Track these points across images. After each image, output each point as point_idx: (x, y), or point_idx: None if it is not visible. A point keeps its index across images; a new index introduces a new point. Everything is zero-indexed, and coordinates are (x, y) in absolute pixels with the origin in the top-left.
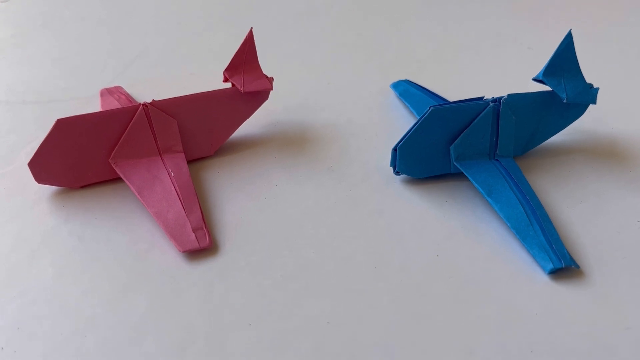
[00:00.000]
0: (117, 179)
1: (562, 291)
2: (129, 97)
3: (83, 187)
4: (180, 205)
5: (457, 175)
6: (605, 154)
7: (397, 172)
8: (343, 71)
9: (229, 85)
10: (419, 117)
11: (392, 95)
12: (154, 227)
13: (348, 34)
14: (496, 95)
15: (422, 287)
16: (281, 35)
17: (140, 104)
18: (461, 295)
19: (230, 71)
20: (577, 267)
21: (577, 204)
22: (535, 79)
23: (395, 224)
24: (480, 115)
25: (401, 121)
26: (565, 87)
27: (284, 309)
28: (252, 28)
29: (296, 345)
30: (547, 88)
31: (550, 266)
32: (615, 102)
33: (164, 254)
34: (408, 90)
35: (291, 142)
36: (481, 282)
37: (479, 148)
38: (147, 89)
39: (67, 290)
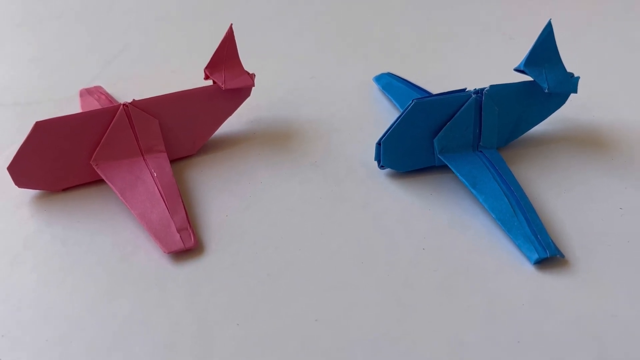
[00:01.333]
0: (99, 181)
1: (548, 281)
2: (109, 97)
3: (64, 190)
4: (164, 206)
5: (441, 168)
6: (587, 142)
7: (381, 166)
8: (325, 64)
9: (210, 82)
10: (402, 111)
11: (375, 88)
12: (138, 228)
13: (329, 27)
14: (479, 86)
15: (410, 281)
16: (261, 29)
17: (120, 104)
18: (448, 288)
19: (211, 68)
20: (562, 256)
21: (562, 193)
22: (517, 69)
23: (381, 218)
24: (463, 107)
25: (385, 114)
26: (547, 77)
27: (271, 308)
28: (231, 24)
29: (285, 344)
30: (528, 78)
31: (535, 256)
32: (594, 91)
33: (149, 256)
34: (391, 84)
35: (275, 138)
36: (468, 274)
37: (462, 140)
38: (128, 88)
39: (51, 295)
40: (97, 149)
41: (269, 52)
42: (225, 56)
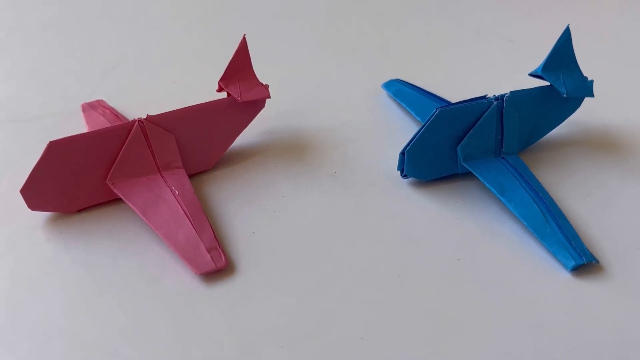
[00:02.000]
0: (114, 201)
1: (585, 287)
2: (114, 112)
3: (79, 211)
4: (190, 225)
5: (463, 176)
6: (601, 145)
7: (404, 176)
8: (330, 72)
9: (222, 94)
10: (420, 118)
11: (383, 95)
12: (163, 249)
13: (330, 34)
14: (485, 90)
15: (449, 293)
16: (261, 37)
17: (135, 120)
18: (489, 299)
19: (226, 80)
20: (597, 262)
21: (584, 197)
22: (533, 75)
23: (410, 228)
24: (485, 114)
25: (397, 122)
26: (564, 81)
27: (315, 327)
28: (244, 35)
29: None
30: (543, 83)
31: (572, 263)
32: (600, 93)
33: (179, 278)
34: (401, 90)
35: (290, 149)
36: (506, 284)
37: (485, 147)
38: (130, 101)
39: (81, 324)
40: (113, 167)
41: (271, 60)
42: (239, 67)
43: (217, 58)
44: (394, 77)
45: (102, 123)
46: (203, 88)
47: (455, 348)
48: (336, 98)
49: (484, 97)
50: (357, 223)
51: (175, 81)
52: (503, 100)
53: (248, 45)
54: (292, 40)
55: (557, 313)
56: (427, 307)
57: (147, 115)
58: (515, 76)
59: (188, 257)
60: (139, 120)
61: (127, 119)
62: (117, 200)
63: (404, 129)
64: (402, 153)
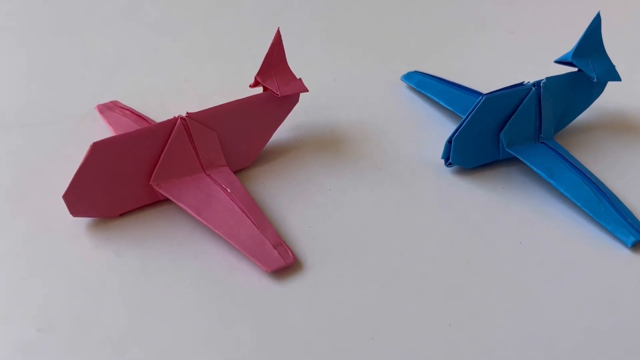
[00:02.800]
0: (156, 203)
1: None
2: (134, 112)
3: (121, 215)
4: (251, 223)
5: (504, 162)
6: (623, 127)
7: (449, 164)
8: (344, 66)
9: (256, 90)
10: (451, 107)
11: (402, 86)
12: (222, 248)
13: (339, 28)
14: (506, 81)
15: (520, 276)
16: (267, 32)
17: (177, 117)
18: (559, 279)
19: (262, 75)
20: None
21: (620, 177)
22: (561, 61)
23: (466, 216)
24: (525, 100)
25: (423, 112)
26: (594, 67)
27: (399, 316)
28: (278, 28)
29: (427, 352)
30: (568, 69)
31: (632, 239)
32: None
33: (247, 277)
34: (423, 81)
35: (324, 144)
36: (571, 264)
37: (526, 133)
38: (147, 101)
39: (158, 334)
40: (156, 167)
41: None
42: (275, 62)
43: (227, 55)
44: (406, 69)
45: (126, 124)
46: (217, 85)
47: (540, 329)
48: (356, 92)
49: (522, 83)
50: (412, 213)
51: (187, 80)
52: (540, 87)
53: (258, 41)
54: (300, 35)
55: (627, 288)
56: (503, 290)
57: (187, 113)
58: (523, 66)
59: (256, 255)
60: (181, 118)
61: (151, 119)
62: (160, 202)
63: (431, 118)
64: (449, 141)
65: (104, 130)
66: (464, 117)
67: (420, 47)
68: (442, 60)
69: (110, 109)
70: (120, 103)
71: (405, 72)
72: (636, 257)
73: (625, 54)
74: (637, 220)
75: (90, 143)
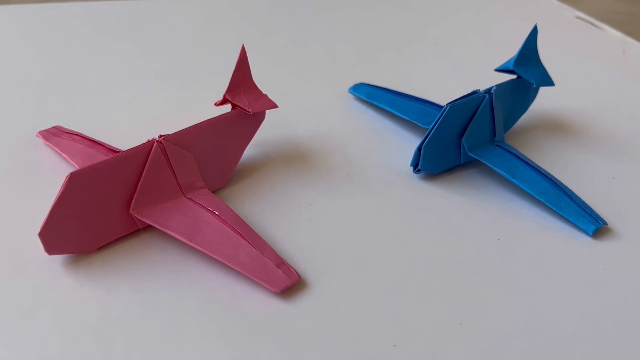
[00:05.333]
0: (132, 232)
1: (607, 246)
2: (84, 136)
3: (99, 248)
4: (248, 244)
5: (463, 165)
6: (556, 126)
7: (417, 171)
8: (289, 82)
9: (222, 108)
10: (405, 116)
11: (349, 98)
12: (219, 274)
13: (277, 43)
14: (427, 90)
15: (509, 270)
16: (205, 48)
17: (153, 141)
18: (544, 268)
19: (231, 93)
20: (606, 224)
21: (564, 173)
22: (502, 69)
23: (444, 218)
24: (480, 106)
25: (375, 122)
26: (532, 74)
27: (414, 322)
28: (243, 45)
29: (445, 350)
30: (507, 77)
31: (592, 227)
32: None
33: (254, 300)
34: (372, 92)
35: (291, 158)
36: (548, 254)
37: (483, 137)
38: (90, 125)
39: None
40: (135, 194)
41: (223, 71)
42: (242, 79)
43: (168, 74)
44: (348, 82)
45: (81, 149)
46: (162, 106)
47: (540, 320)
48: (306, 105)
49: (476, 91)
50: (395, 219)
51: (131, 101)
52: (492, 93)
53: (197, 58)
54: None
55: (599, 271)
56: (496, 283)
57: (160, 135)
58: (450, 74)
59: (261, 277)
60: (157, 141)
61: (104, 143)
62: (137, 231)
63: (385, 128)
64: (418, 149)
65: (50, 158)
66: (431, 126)
67: (358, 61)
68: (387, 73)
69: (55, 135)
70: (63, 128)
71: (346, 84)
72: (598, 243)
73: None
74: (592, 210)
75: (40, 172)
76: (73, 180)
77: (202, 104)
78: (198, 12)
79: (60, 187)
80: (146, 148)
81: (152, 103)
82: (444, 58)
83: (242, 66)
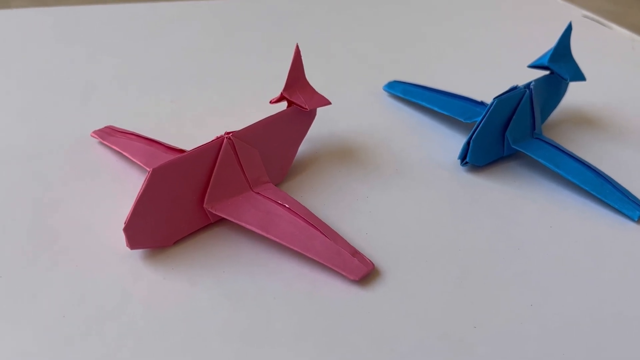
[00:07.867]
0: (205, 227)
1: None
2: (139, 135)
3: (175, 243)
4: (321, 234)
5: (505, 157)
6: (584, 120)
7: (465, 163)
8: (322, 81)
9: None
10: (445, 111)
11: (383, 95)
12: (295, 264)
13: (303, 45)
14: (474, 86)
15: (566, 255)
16: (239, 50)
17: (223, 137)
18: (597, 254)
19: (288, 90)
20: None
21: (598, 164)
22: (535, 65)
23: (496, 208)
24: (522, 100)
25: (412, 118)
26: (566, 69)
27: (488, 304)
28: (297, 44)
29: (519, 328)
30: (541, 73)
31: (638, 213)
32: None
33: (333, 288)
34: (408, 89)
35: (340, 154)
36: (598, 240)
37: (525, 130)
38: (137, 124)
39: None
40: (209, 189)
41: (249, 72)
42: (297, 76)
43: (199, 74)
44: (381, 80)
45: (140, 147)
46: (208, 105)
47: (602, 303)
48: (343, 103)
49: (515, 87)
50: (449, 210)
51: (174, 101)
52: (531, 88)
53: (238, 60)
54: (269, 50)
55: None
56: (559, 269)
57: (226, 132)
58: (466, 67)
59: (338, 265)
60: (227, 137)
61: (159, 141)
62: (208, 225)
63: (422, 123)
64: (467, 143)
65: (106, 157)
66: (479, 120)
67: (384, 60)
68: (405, 70)
69: (110, 134)
70: (116, 127)
71: (377, 83)
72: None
73: None
74: (635, 197)
75: (100, 171)
76: (155, 175)
77: (240, 103)
78: (226, 15)
79: (142, 183)
80: (217, 144)
81: (194, 102)
82: (457, 55)
83: (297, 65)
